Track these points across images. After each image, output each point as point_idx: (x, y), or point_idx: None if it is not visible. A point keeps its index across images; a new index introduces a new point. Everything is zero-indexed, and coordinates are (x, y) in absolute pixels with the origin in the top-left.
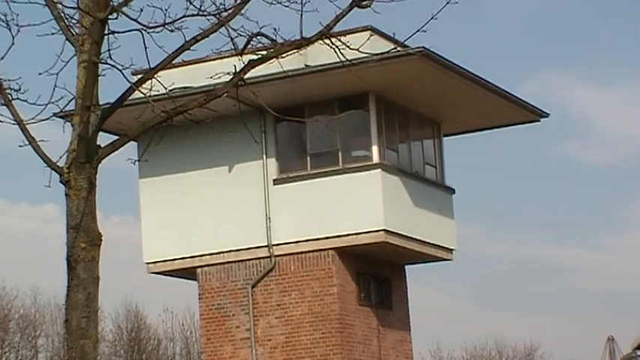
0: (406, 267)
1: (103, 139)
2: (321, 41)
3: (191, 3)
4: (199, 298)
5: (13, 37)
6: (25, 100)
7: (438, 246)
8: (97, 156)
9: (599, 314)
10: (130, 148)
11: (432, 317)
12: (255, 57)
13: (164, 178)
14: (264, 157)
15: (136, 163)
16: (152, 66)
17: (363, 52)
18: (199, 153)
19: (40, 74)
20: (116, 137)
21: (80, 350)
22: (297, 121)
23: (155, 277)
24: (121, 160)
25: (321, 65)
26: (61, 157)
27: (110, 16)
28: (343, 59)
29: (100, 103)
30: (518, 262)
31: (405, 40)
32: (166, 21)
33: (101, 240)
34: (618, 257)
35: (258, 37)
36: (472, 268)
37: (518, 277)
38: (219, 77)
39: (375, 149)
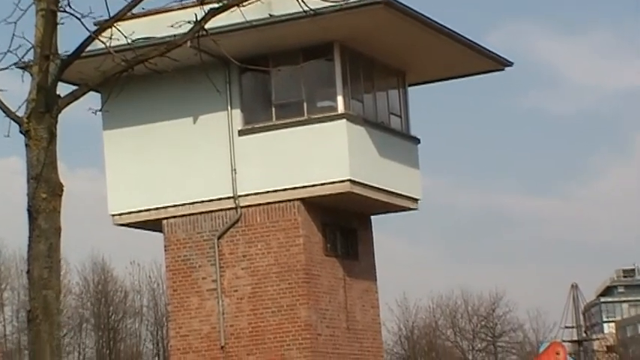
0: (372, 217)
1: (65, 90)
2: None
3: None
4: (165, 250)
5: None
6: None
7: (404, 196)
8: (56, 106)
9: (564, 263)
10: (94, 100)
11: (398, 267)
12: (216, 5)
13: (128, 130)
14: (229, 108)
15: (100, 114)
16: (112, 15)
17: (326, 1)
18: (164, 104)
19: None
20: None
21: (43, 301)
22: (261, 70)
23: (121, 230)
24: (86, 113)
25: (284, 15)
26: (20, 107)
27: None
28: (306, 8)
29: (60, 52)
30: (484, 213)
31: None
32: None
33: (62, 190)
34: (583, 206)
35: None
36: (439, 218)
37: (484, 228)
38: (181, 26)
39: (340, 99)
